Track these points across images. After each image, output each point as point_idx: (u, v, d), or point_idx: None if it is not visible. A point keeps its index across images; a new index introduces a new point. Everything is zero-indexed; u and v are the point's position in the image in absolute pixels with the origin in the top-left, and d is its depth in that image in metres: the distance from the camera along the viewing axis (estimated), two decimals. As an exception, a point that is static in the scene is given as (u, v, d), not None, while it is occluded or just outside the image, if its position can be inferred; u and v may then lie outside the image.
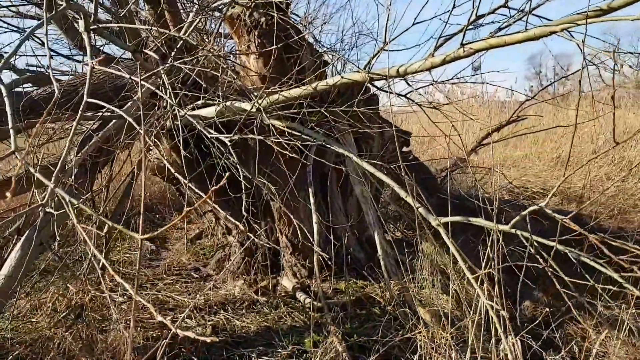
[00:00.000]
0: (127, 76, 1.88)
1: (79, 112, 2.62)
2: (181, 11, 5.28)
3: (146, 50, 2.48)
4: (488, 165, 7.13)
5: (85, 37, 1.80)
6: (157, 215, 7.02)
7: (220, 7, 4.94)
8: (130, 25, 2.47)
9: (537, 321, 3.10)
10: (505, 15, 2.33)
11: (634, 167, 7.05)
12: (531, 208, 2.00)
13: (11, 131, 2.22)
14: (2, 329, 3.40)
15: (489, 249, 2.09)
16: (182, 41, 3.00)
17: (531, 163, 9.14)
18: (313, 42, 5.68)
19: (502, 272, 2.31)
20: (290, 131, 3.13)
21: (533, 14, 2.22)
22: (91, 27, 1.79)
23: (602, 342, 3.16)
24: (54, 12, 1.81)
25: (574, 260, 2.09)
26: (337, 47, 6.24)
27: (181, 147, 3.08)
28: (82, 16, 1.77)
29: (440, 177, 6.27)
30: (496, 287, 2.10)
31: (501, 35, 2.16)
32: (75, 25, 4.48)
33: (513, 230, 2.08)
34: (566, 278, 2.20)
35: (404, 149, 5.58)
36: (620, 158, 8.60)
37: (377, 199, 5.15)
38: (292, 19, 5.88)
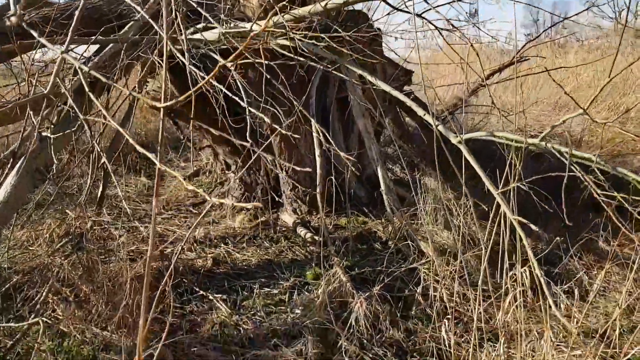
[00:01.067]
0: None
1: (69, 34, 2.50)
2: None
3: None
4: (487, 107, 7.04)
5: None
6: (155, 154, 6.90)
7: None
8: None
9: (538, 257, 3.09)
10: None
11: (632, 108, 6.99)
12: (574, 114, 1.90)
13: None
14: (-4, 258, 3.35)
15: (514, 164, 2.01)
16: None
17: (530, 107, 9.05)
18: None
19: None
20: (298, 49, 2.98)
21: None
22: None
23: (604, 277, 3.16)
24: None
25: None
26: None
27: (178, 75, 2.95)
28: None
29: (441, 118, 6.16)
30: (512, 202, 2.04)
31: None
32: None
33: (543, 144, 2.00)
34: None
35: (405, 87, 5.47)
36: (619, 104, 8.60)
37: (379, 136, 5.08)
38: None
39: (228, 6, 3.17)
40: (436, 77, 7.76)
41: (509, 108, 9.16)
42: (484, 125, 6.94)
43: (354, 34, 3.11)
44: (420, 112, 2.61)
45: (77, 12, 2.47)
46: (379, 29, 4.81)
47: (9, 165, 2.93)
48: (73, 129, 2.83)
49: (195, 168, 5.94)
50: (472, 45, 2.32)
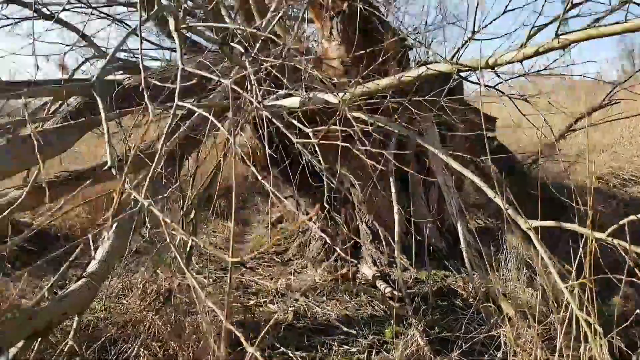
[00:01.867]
0: (216, 78, 1.91)
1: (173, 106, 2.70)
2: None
3: (232, 44, 2.50)
4: (576, 152, 6.80)
5: (175, 36, 1.85)
6: (240, 198, 7.20)
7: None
8: (216, 25, 2.51)
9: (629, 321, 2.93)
10: (603, 3, 2.17)
11: None
12: (630, 218, 1.87)
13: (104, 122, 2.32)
14: (96, 309, 3.59)
15: (582, 254, 1.98)
16: (266, 32, 3.02)
17: (622, 148, 8.61)
18: (395, 24, 5.59)
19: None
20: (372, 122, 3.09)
21: (634, 2, 2.06)
22: (181, 27, 1.83)
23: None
24: (146, 15, 1.86)
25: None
26: (420, 29, 6.04)
27: (264, 137, 3.12)
28: (172, 17, 1.81)
29: (526, 165, 6.03)
30: (587, 293, 1.99)
31: (599, 26, 2.01)
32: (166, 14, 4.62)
33: (610, 239, 1.96)
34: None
35: (489, 134, 5.40)
36: None
37: (460, 186, 5.04)
38: (376, 1, 5.79)
39: (308, 71, 3.29)
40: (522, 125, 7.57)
41: (600, 148, 8.77)
42: (574, 169, 6.67)
43: (432, 98, 3.16)
44: (490, 193, 2.60)
45: (177, 83, 2.68)
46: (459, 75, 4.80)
47: (108, 226, 3.18)
48: (165, 195, 3.02)
49: (279, 214, 6.13)
50: (545, 120, 2.30)
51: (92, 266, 2.89)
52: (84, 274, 2.80)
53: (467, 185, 5.63)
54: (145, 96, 1.85)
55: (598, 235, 1.99)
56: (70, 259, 3.38)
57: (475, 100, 4.54)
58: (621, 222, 1.93)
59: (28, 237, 3.69)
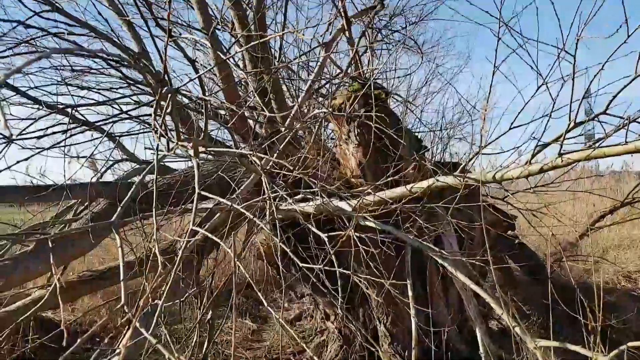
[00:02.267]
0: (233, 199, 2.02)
1: (193, 210, 2.81)
2: (287, 99, 5.60)
3: (252, 158, 2.64)
4: (601, 249, 6.71)
5: (194, 162, 1.98)
6: (258, 294, 7.18)
7: (323, 96, 5.19)
8: (233, 150, 2.67)
9: None
10: (605, 122, 2.27)
11: None
12: (628, 344, 1.86)
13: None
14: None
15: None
16: (284, 141, 3.18)
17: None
18: (414, 123, 5.78)
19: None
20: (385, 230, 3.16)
21: (637, 122, 2.14)
22: (200, 153, 1.97)
23: None
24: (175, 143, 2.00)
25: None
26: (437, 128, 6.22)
27: (281, 237, 3.20)
28: (192, 148, 1.95)
29: (549, 263, 5.95)
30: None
31: (601, 147, 2.09)
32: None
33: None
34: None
35: (509, 232, 5.39)
36: None
37: (481, 288, 4.98)
38: (394, 100, 6.03)
39: (325, 177, 3.41)
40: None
41: (628, 243, 8.63)
42: (597, 269, 6.55)
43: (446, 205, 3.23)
44: (498, 310, 2.61)
45: (194, 207, 2.80)
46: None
47: (125, 330, 3.22)
48: (183, 298, 3.08)
49: (297, 311, 6.09)
50: (552, 234, 2.34)
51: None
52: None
53: (487, 286, 5.58)
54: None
55: (601, 358, 1.97)
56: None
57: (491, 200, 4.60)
58: (621, 348, 1.92)
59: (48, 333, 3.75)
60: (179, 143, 1.81)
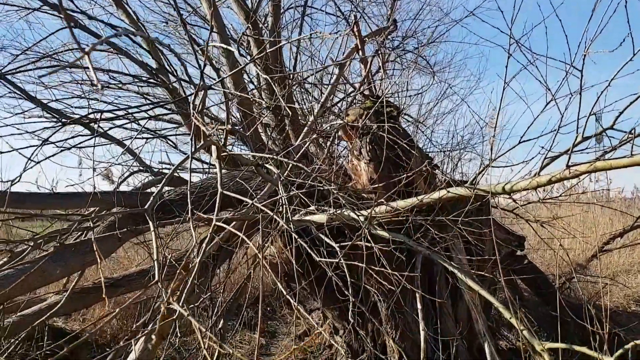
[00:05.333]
0: (249, 201, 2.11)
1: (213, 221, 2.89)
2: (300, 117, 5.71)
3: (267, 166, 2.73)
4: (611, 272, 6.70)
5: (216, 163, 2.07)
6: (268, 308, 7.23)
7: (336, 114, 5.29)
8: (253, 153, 2.76)
9: None
10: (613, 137, 2.34)
11: None
12: (631, 344, 1.92)
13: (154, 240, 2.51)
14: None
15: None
16: (295, 157, 3.27)
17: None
18: (424, 143, 5.87)
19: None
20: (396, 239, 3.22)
21: (641, 136, 2.22)
22: (222, 154, 2.06)
23: None
24: (194, 148, 2.11)
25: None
26: (447, 148, 6.30)
27: (292, 250, 3.27)
28: (215, 147, 2.04)
29: (559, 284, 5.96)
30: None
31: (607, 159, 2.17)
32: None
33: None
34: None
35: (518, 252, 5.42)
36: None
37: (490, 305, 5.00)
38: (405, 120, 6.13)
39: (335, 193, 3.49)
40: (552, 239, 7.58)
41: (638, 268, 8.60)
42: (606, 292, 6.54)
43: (456, 218, 3.29)
44: (507, 315, 2.66)
45: (217, 208, 2.89)
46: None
47: (139, 334, 3.28)
48: (196, 304, 3.14)
49: (306, 327, 6.12)
50: (560, 245, 2.40)
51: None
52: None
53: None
54: (190, 216, 2.04)
55: (606, 359, 2.02)
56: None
57: (500, 221, 4.65)
58: (626, 347, 1.97)
59: (59, 342, 3.81)
60: (208, 141, 1.90)
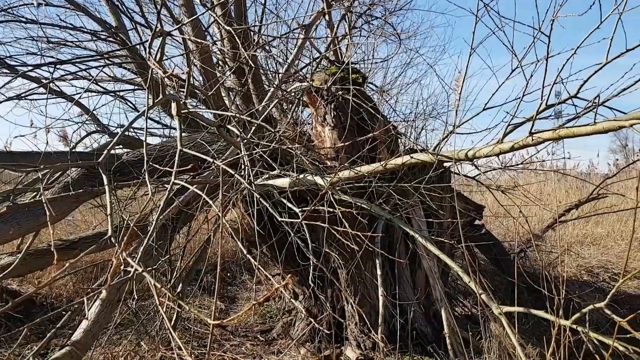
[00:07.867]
0: (211, 160, 2.05)
1: (170, 185, 2.82)
2: (264, 81, 5.61)
3: (229, 126, 2.67)
4: (565, 243, 6.89)
5: (176, 120, 2.00)
6: (229, 274, 7.22)
7: (300, 79, 5.21)
8: (215, 112, 2.69)
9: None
10: (576, 105, 2.37)
11: None
12: (589, 307, 1.97)
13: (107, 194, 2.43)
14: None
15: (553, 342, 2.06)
16: (260, 119, 3.20)
17: (613, 242, 8.69)
18: (388, 112, 5.85)
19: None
20: (358, 204, 3.22)
21: (604, 106, 2.24)
22: (182, 112, 1.99)
23: None
24: (152, 101, 2.02)
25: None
26: (410, 117, 6.30)
27: (254, 214, 3.23)
28: (175, 103, 1.97)
29: (514, 254, 6.11)
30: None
31: (570, 127, 2.18)
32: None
33: (574, 326, 2.05)
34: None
35: (476, 222, 5.52)
36: None
37: (447, 273, 5.09)
38: (369, 89, 6.10)
39: (299, 155, 3.45)
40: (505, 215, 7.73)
41: (590, 240, 8.89)
42: (561, 261, 6.75)
43: (417, 184, 3.30)
44: (465, 278, 2.70)
45: (175, 164, 2.82)
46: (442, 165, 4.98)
47: (97, 295, 3.22)
48: (154, 267, 3.09)
49: (266, 292, 6.13)
50: (520, 211, 2.44)
51: (77, 335, 2.90)
52: (68, 342, 2.82)
53: (455, 271, 5.69)
54: (147, 176, 1.98)
55: (563, 322, 2.07)
56: (57, 326, 3.39)
57: (461, 189, 4.70)
58: (583, 310, 2.02)
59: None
60: (165, 96, 1.83)
